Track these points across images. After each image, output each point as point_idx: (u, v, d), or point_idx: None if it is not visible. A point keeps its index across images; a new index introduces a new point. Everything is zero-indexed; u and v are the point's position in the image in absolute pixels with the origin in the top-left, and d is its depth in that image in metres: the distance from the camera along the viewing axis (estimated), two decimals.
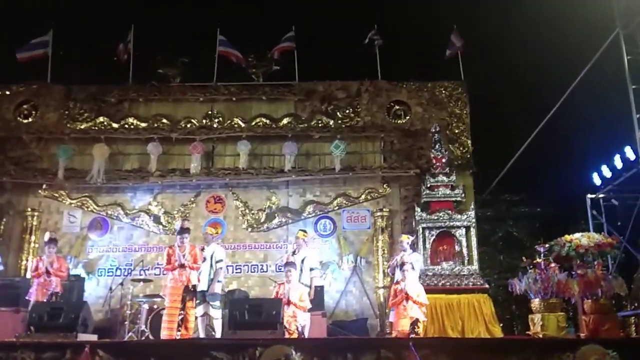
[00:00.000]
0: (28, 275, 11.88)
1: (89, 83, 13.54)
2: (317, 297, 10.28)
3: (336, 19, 17.03)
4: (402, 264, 9.03)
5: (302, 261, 9.51)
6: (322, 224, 12.77)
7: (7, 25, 15.39)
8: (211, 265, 9.50)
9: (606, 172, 12.27)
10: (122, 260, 12.41)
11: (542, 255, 9.39)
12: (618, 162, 11.67)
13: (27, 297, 9.79)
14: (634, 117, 10.49)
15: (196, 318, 9.06)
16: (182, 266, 9.00)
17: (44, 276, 9.74)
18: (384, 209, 12.59)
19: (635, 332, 10.97)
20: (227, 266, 12.29)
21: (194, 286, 9.03)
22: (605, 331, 8.85)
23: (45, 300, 9.44)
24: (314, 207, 12.79)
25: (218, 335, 8.88)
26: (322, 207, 12.79)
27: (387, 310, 10.99)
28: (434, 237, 11.14)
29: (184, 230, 9.36)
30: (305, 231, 10.37)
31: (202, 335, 9.02)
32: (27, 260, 12.12)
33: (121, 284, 11.34)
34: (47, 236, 10.58)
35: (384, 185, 12.82)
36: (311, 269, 9.58)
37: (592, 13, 12.00)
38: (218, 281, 9.24)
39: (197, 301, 9.11)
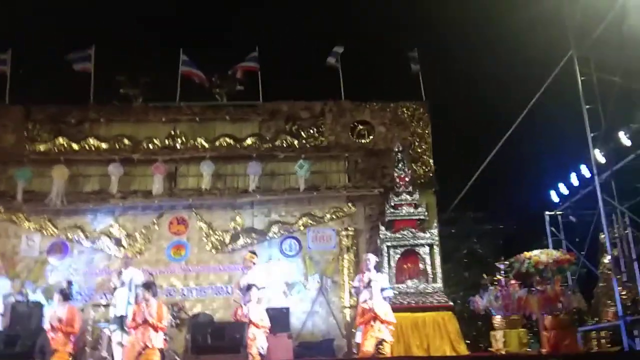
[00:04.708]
0: None
1: (48, 103, 13.29)
2: (282, 318, 10.29)
3: (300, 40, 17.18)
4: (369, 282, 9.07)
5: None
6: (287, 244, 12.72)
7: None
8: (130, 289, 9.46)
9: (563, 189, 12.58)
10: (83, 285, 12.10)
11: (502, 272, 9.55)
12: (574, 180, 11.98)
13: None
14: (588, 136, 10.79)
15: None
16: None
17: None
18: (349, 228, 12.62)
19: (596, 346, 11.23)
20: (191, 289, 12.25)
21: None
22: (565, 346, 9.04)
23: None
24: (279, 227, 12.74)
25: None
26: (287, 227, 12.76)
27: (353, 330, 10.97)
28: (398, 255, 11.22)
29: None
30: (254, 252, 10.46)
31: None
32: None
33: (82, 309, 11.05)
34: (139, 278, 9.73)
35: (349, 205, 12.87)
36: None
37: (547, 35, 12.40)
38: None
39: (115, 327, 9.01)
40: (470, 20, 16.25)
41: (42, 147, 12.85)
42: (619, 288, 10.17)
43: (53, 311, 9.49)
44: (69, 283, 10.94)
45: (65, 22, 16.58)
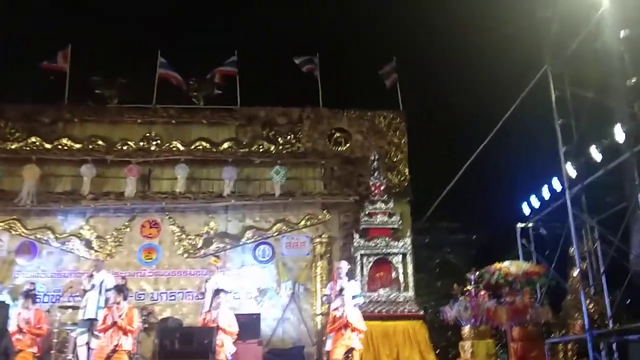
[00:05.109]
0: None
1: (22, 102, 13.08)
2: (253, 324, 10.25)
3: (279, 46, 17.19)
4: (341, 290, 9.05)
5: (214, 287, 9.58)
6: (260, 250, 12.67)
7: None
8: (100, 293, 9.41)
9: (535, 202, 12.70)
10: (51, 286, 11.90)
11: (472, 282, 9.62)
12: (546, 193, 12.11)
13: None
14: (560, 150, 10.92)
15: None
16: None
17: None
18: (323, 235, 12.61)
19: (563, 358, 11.34)
20: (161, 293, 12.12)
21: None
22: (533, 358, 9.14)
23: None
24: (253, 232, 12.69)
25: None
26: (261, 233, 12.71)
27: (324, 338, 10.95)
28: (371, 263, 11.27)
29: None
30: (218, 257, 10.49)
31: None
32: None
33: (48, 311, 10.86)
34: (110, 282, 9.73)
35: (324, 212, 12.87)
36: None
37: (522, 50, 12.60)
38: None
39: (82, 330, 8.93)
40: (449, 34, 16.46)
41: (13, 146, 12.60)
42: (587, 301, 10.28)
43: (18, 313, 9.32)
44: (32, 285, 10.71)
45: (40, 20, 16.33)
